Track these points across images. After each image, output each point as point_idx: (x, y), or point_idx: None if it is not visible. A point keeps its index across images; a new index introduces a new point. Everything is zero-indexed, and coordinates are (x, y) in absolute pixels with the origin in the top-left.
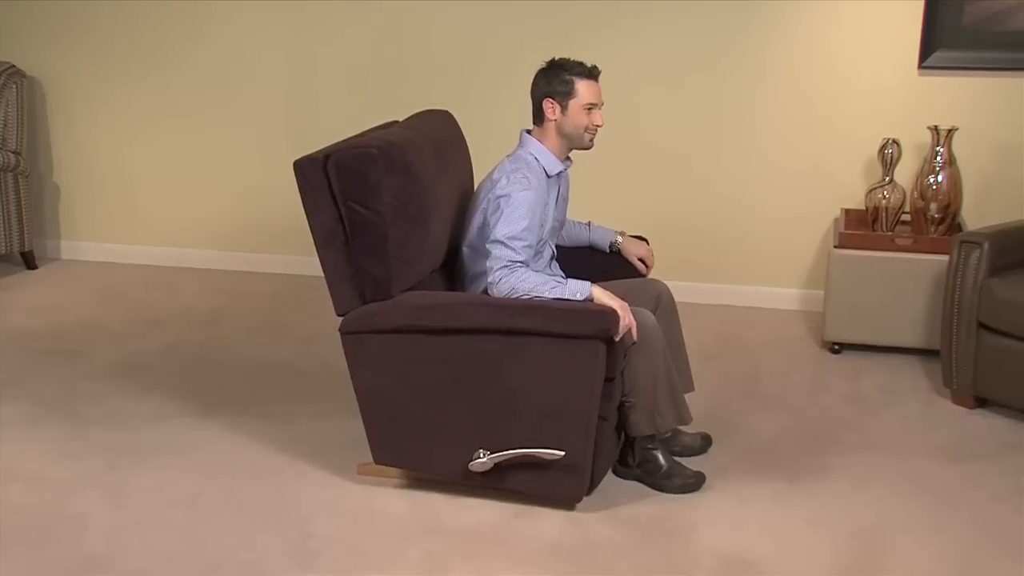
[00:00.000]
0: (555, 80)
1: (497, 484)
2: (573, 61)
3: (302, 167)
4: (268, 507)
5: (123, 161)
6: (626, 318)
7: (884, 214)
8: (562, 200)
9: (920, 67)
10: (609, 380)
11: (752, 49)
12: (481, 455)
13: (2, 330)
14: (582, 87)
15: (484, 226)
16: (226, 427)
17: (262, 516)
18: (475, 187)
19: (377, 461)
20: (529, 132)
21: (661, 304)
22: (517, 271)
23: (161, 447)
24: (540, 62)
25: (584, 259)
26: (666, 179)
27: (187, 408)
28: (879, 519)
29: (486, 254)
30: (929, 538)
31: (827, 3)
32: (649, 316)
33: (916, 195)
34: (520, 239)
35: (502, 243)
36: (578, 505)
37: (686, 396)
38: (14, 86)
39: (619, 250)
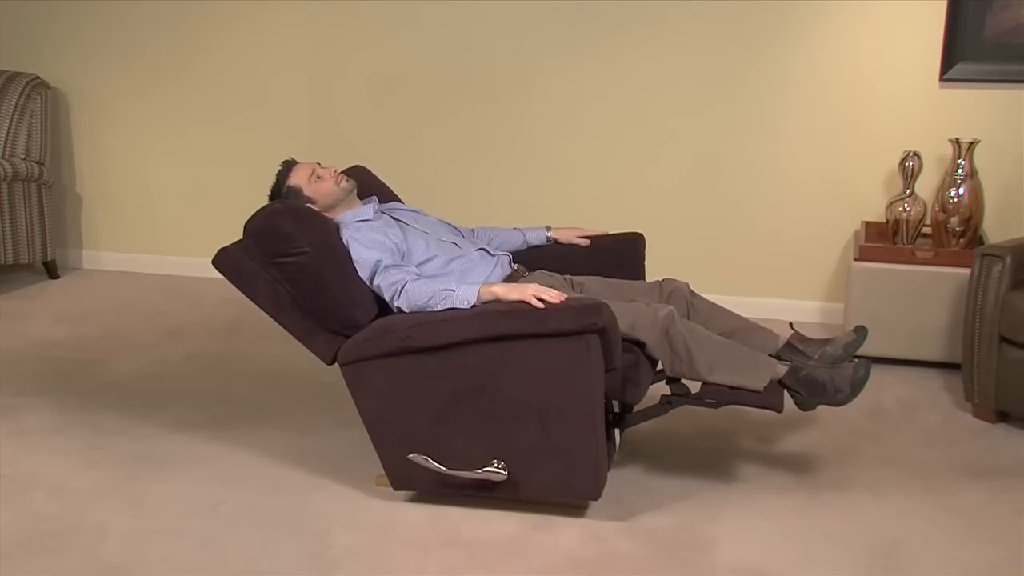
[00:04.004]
0: (290, 197)
1: (513, 494)
2: (276, 177)
3: (220, 260)
4: (287, 517)
5: (145, 172)
6: (530, 296)
7: (905, 227)
8: (422, 221)
9: (941, 79)
10: (610, 370)
11: (773, 63)
12: (495, 465)
13: (25, 339)
14: (295, 179)
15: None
16: (245, 437)
17: (281, 526)
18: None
19: (396, 488)
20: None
21: (686, 299)
22: (408, 287)
23: (181, 457)
24: (565, 80)
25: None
26: (685, 191)
27: (206, 418)
28: (900, 534)
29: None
30: (950, 553)
31: (848, 16)
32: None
33: (937, 208)
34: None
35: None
36: (598, 516)
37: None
38: (38, 97)
39: (555, 240)
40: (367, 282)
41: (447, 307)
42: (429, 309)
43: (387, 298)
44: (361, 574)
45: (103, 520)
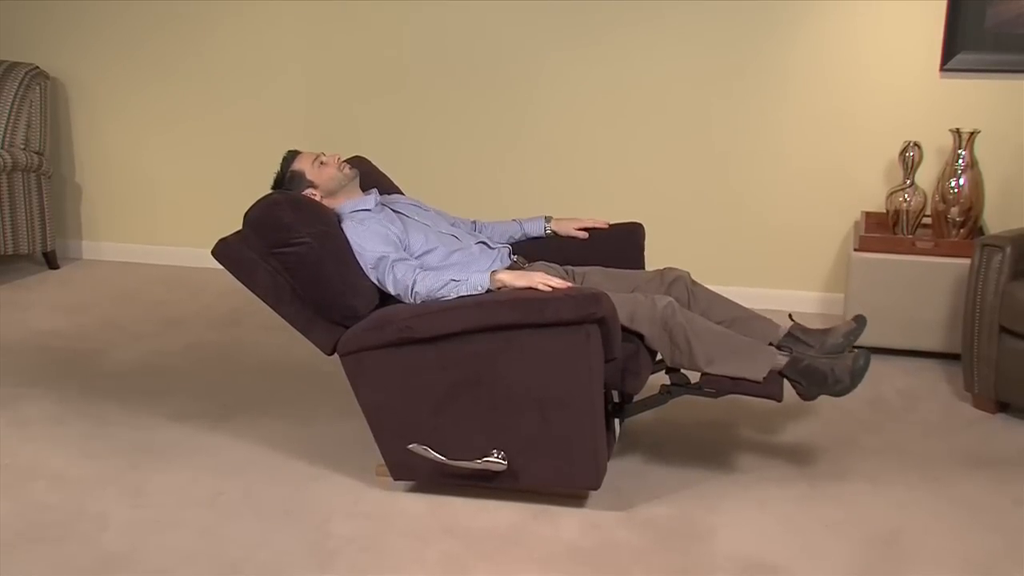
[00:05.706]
0: (292, 185)
1: (512, 484)
2: (280, 165)
3: (219, 251)
4: (286, 507)
5: (144, 162)
6: (537, 283)
7: (905, 217)
8: (423, 214)
9: (942, 70)
10: (609, 360)
11: (774, 53)
12: (494, 455)
13: (25, 329)
14: (299, 164)
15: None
16: (245, 427)
17: (280, 516)
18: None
19: (396, 478)
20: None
21: (687, 288)
22: (419, 279)
23: (181, 447)
24: (567, 72)
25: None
26: (686, 181)
27: (206, 408)
28: (899, 524)
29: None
30: (950, 543)
31: (849, 6)
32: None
33: (937, 198)
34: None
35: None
36: (597, 506)
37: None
38: (38, 87)
39: (554, 232)
40: (369, 274)
41: (459, 295)
42: (442, 298)
43: (397, 292)
44: (361, 564)
45: (103, 510)
